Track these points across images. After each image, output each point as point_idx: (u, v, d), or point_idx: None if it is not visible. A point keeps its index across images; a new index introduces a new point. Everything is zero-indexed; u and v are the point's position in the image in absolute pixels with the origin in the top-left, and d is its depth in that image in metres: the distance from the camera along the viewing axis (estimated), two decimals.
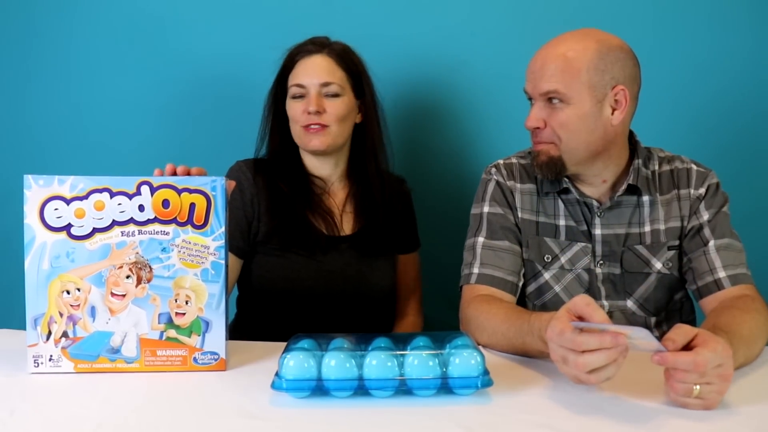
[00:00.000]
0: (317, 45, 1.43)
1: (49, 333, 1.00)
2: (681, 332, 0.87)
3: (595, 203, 1.28)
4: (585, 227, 1.29)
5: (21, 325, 1.03)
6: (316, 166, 1.47)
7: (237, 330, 1.36)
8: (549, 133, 1.22)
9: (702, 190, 1.28)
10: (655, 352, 0.85)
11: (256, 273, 1.41)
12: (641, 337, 0.85)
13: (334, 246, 1.42)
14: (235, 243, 1.38)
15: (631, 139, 1.30)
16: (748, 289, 1.20)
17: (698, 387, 0.85)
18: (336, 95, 1.40)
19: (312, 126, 1.39)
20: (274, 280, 1.39)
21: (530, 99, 1.25)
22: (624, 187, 1.26)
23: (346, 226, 1.45)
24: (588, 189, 1.29)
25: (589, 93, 1.18)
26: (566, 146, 1.21)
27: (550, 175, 1.24)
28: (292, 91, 1.41)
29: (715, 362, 0.85)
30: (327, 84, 1.39)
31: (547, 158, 1.23)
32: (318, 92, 1.39)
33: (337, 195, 1.48)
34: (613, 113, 1.21)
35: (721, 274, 1.21)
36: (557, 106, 1.20)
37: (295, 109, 1.41)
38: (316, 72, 1.40)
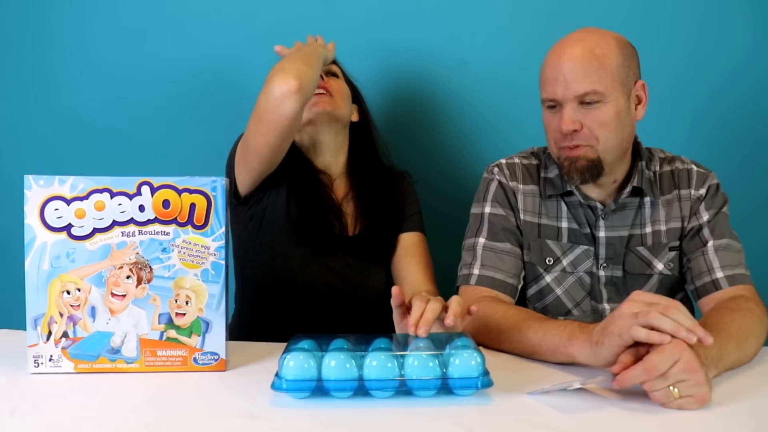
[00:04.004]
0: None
1: (50, 333, 1.00)
2: (628, 351, 0.88)
3: (599, 206, 1.27)
4: (588, 230, 1.28)
5: (21, 325, 1.03)
6: (318, 146, 1.46)
7: (235, 328, 1.36)
8: (586, 135, 1.18)
9: (702, 191, 1.28)
10: (613, 379, 0.86)
11: (261, 260, 1.40)
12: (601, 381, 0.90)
13: (341, 246, 1.41)
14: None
15: (634, 139, 1.29)
16: (745, 289, 1.20)
17: (675, 389, 0.84)
18: (336, 75, 1.49)
19: (317, 93, 1.41)
20: (277, 273, 1.39)
21: (553, 105, 1.21)
22: (629, 189, 1.26)
23: (350, 227, 1.45)
24: (593, 191, 1.28)
25: (622, 89, 1.18)
26: (604, 146, 1.19)
27: (590, 179, 1.21)
28: None
29: (667, 361, 0.84)
30: (330, 72, 1.48)
31: (587, 162, 1.19)
32: (323, 75, 1.45)
33: (339, 194, 1.47)
34: (636, 108, 1.22)
35: (719, 274, 1.21)
36: (594, 106, 1.17)
37: None
38: None
